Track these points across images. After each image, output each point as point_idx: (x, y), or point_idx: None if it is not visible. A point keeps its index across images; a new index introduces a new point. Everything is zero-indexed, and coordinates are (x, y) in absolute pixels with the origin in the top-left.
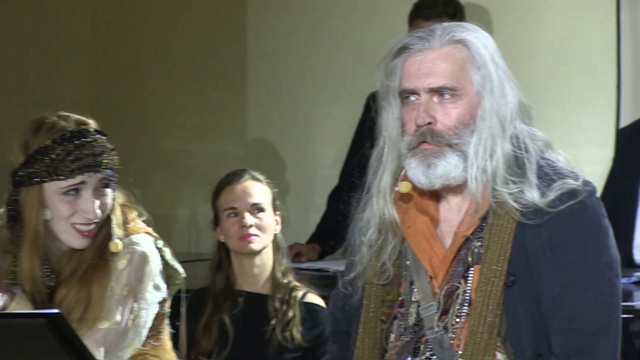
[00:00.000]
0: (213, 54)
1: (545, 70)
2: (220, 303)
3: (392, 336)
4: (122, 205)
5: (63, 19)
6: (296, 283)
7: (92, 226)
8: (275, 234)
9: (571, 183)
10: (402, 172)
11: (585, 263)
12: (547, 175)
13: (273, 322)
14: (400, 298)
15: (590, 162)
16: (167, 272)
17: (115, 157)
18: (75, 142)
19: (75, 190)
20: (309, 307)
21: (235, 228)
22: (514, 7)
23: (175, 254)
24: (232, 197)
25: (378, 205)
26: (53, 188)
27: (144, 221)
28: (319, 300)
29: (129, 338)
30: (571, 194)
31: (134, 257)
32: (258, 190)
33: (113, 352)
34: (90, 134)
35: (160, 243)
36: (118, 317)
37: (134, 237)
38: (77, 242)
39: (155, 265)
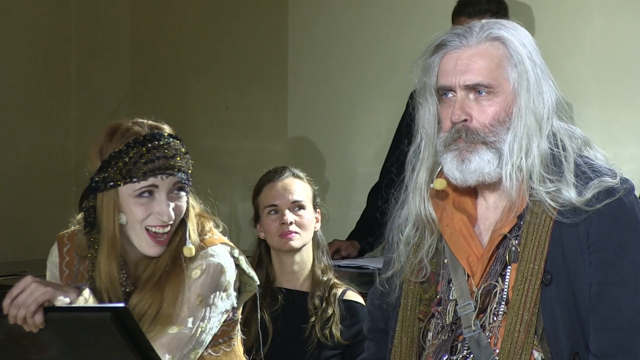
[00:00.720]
0: (254, 51)
1: (586, 69)
2: (259, 300)
3: (430, 334)
4: (199, 215)
5: (104, 15)
6: (336, 280)
7: (167, 229)
8: (315, 232)
9: (609, 181)
10: (438, 169)
11: (622, 261)
12: (585, 173)
13: (312, 319)
14: (438, 296)
15: (631, 160)
16: (242, 279)
17: (190, 162)
18: (148, 145)
19: (149, 193)
20: (349, 305)
21: (276, 225)
22: (555, 6)
23: None
24: (273, 194)
25: (414, 202)
26: (127, 191)
27: (220, 232)
28: (358, 298)
29: (193, 345)
30: (609, 192)
31: (209, 268)
32: (299, 188)
33: (176, 358)
34: (164, 137)
35: (237, 252)
36: (189, 325)
37: (210, 249)
38: (150, 249)
39: (230, 276)
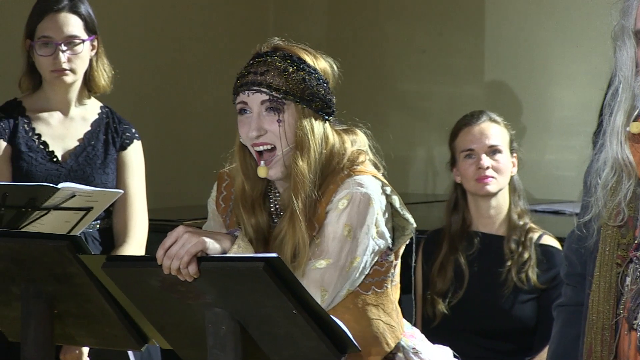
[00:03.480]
0: None
1: None
2: (456, 243)
3: (628, 279)
4: (358, 151)
5: None
6: (532, 225)
7: (265, 148)
8: (512, 176)
9: None
10: (636, 112)
11: None
12: None
13: (508, 263)
14: (636, 241)
15: None
16: (398, 221)
17: (294, 80)
18: (250, 61)
19: (245, 111)
20: (545, 249)
21: (472, 169)
22: None
23: (412, 195)
24: (470, 138)
25: (612, 145)
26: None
27: (382, 174)
28: (555, 242)
29: (345, 281)
30: None
31: (355, 197)
32: (495, 132)
33: (332, 292)
34: (270, 55)
35: (389, 190)
36: (336, 257)
37: (358, 178)
38: (261, 170)
39: (378, 209)
